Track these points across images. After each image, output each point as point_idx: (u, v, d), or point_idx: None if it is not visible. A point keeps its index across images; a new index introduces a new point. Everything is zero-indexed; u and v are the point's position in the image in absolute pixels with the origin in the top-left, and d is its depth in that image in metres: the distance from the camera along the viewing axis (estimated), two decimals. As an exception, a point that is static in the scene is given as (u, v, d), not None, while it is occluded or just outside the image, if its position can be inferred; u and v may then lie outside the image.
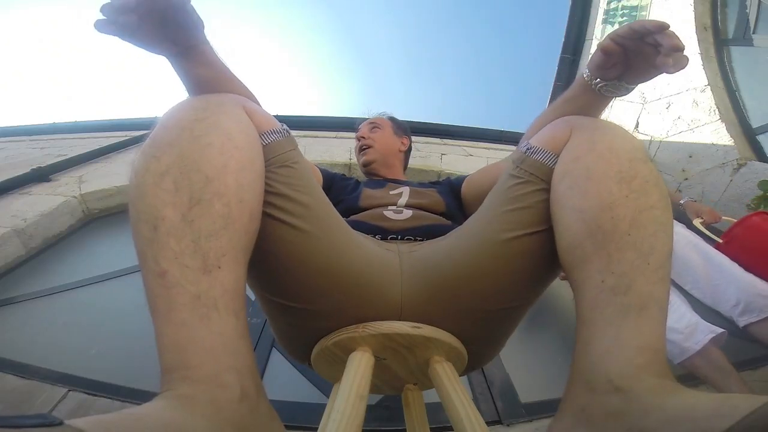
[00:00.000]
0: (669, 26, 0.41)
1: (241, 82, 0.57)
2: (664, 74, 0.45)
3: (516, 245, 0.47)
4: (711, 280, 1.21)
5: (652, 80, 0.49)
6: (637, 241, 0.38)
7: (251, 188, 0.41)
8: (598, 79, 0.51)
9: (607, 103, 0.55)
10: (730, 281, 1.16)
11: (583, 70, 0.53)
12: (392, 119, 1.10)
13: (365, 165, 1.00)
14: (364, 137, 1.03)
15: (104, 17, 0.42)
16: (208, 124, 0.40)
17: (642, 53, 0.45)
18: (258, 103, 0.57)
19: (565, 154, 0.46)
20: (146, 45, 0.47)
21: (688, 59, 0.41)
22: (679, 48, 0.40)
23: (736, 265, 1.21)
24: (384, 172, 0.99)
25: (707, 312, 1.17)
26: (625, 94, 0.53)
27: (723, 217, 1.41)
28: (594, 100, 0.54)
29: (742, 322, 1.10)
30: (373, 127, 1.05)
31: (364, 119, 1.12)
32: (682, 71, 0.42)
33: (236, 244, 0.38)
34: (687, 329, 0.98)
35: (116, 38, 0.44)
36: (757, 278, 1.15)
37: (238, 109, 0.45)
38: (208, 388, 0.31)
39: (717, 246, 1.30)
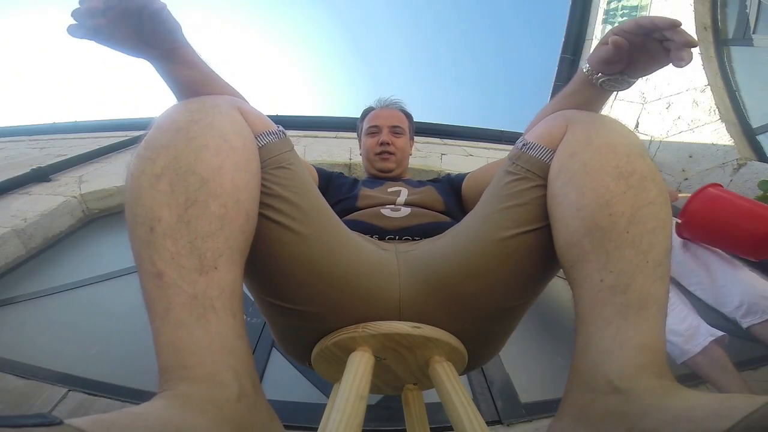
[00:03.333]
0: (680, 23, 0.40)
1: (228, 84, 0.57)
2: (665, 70, 0.45)
3: (513, 243, 0.47)
4: (715, 281, 1.20)
5: (652, 80, 0.49)
6: (635, 238, 0.37)
7: (247, 189, 0.41)
8: (600, 74, 0.50)
9: (608, 98, 0.54)
10: (733, 282, 1.16)
11: (583, 64, 0.52)
12: (409, 118, 1.06)
13: (384, 171, 0.96)
14: (388, 143, 0.95)
15: (75, 21, 0.41)
16: (202, 126, 0.40)
17: (646, 48, 0.45)
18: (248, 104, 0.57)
19: (561, 149, 0.46)
20: (124, 49, 0.47)
21: (692, 54, 0.41)
22: (692, 44, 0.40)
23: (741, 266, 1.20)
24: (392, 174, 0.97)
25: (710, 312, 1.17)
26: (627, 89, 0.52)
27: (679, 195, 1.37)
28: (595, 95, 0.53)
29: (745, 323, 1.09)
30: (397, 132, 0.99)
31: (377, 105, 1.06)
32: (681, 71, 0.42)
33: (232, 244, 0.38)
34: (688, 332, 0.98)
35: (92, 42, 0.43)
36: (761, 280, 1.15)
37: (233, 111, 0.45)
38: (206, 386, 0.31)
39: (676, 227, 1.24)
